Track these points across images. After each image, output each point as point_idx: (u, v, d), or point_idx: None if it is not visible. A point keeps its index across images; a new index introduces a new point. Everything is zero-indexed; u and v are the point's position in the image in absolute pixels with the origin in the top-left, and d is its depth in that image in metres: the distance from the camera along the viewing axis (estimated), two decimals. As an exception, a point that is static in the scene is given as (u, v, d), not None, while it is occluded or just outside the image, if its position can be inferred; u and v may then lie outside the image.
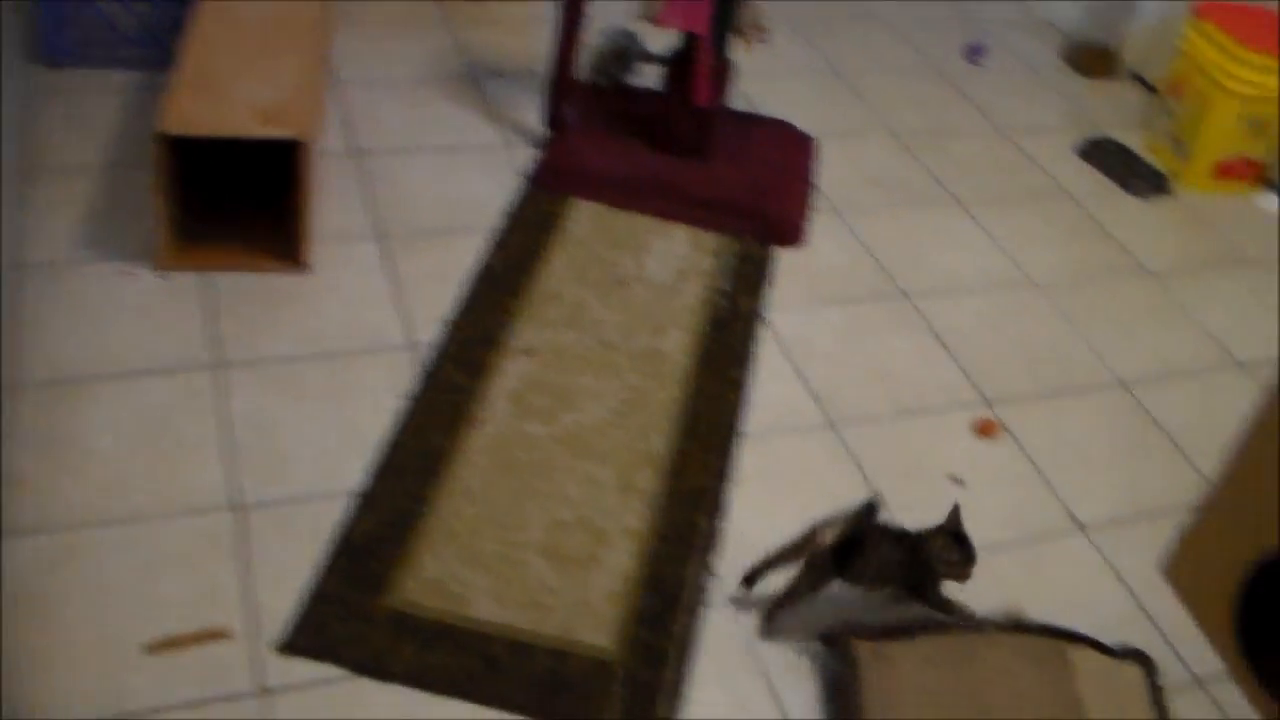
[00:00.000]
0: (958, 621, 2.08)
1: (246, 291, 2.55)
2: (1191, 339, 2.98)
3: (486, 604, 2.03)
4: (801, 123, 3.46)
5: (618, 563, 2.13)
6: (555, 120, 3.12)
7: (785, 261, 2.92)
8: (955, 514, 2.07)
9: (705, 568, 2.16)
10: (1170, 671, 2.15)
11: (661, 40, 3.23)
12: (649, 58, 3.42)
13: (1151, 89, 4.00)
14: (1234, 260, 3.31)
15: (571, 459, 2.30)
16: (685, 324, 2.65)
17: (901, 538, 2.05)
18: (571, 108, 3.13)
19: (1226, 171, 3.58)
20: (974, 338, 2.82)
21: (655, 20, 2.92)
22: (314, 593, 2.00)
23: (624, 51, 3.41)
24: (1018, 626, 2.08)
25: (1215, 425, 2.56)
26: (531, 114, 3.23)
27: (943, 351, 2.75)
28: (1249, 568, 2.15)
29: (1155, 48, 3.99)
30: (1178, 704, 2.11)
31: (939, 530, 2.07)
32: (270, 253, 2.62)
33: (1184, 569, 2.33)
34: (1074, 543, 2.38)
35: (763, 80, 3.66)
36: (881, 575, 2.04)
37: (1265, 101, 3.45)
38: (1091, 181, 3.53)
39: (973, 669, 1.99)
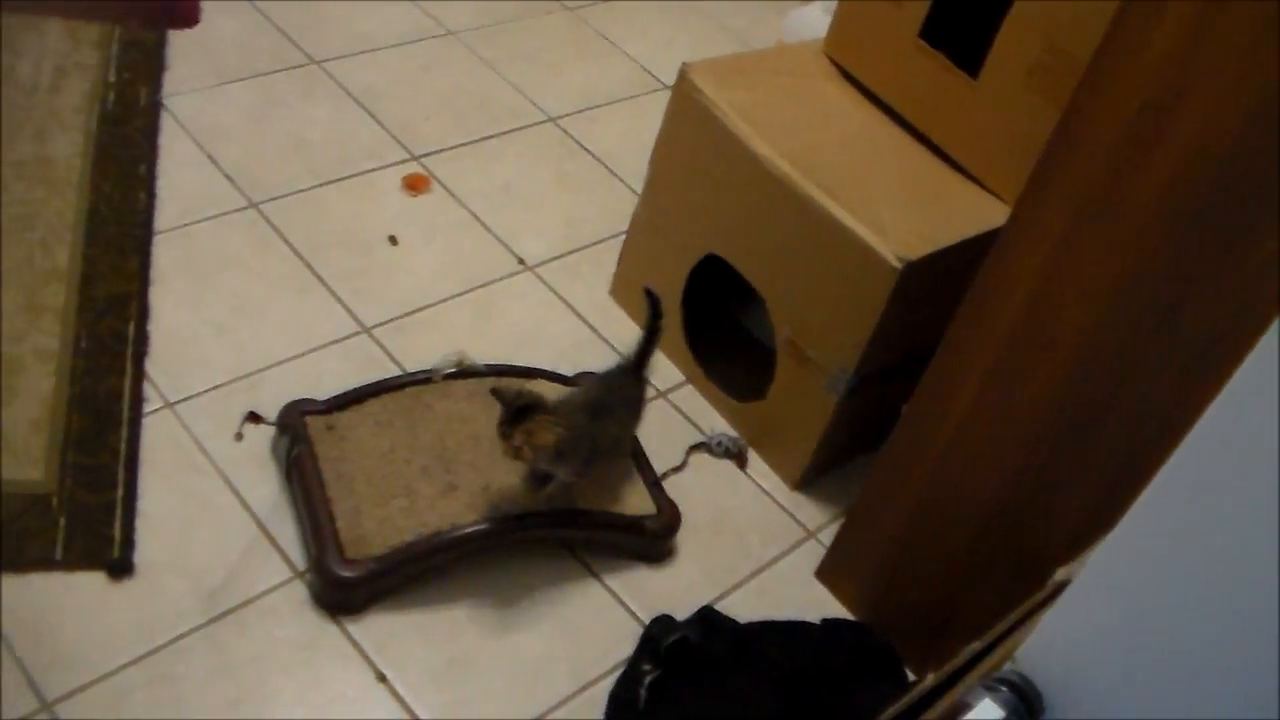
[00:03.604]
0: (405, 379, 2.02)
1: None
2: (614, 67, 2.99)
3: (-108, 462, 1.81)
4: (183, -104, 3.20)
5: (36, 388, 1.94)
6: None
7: (179, 42, 2.68)
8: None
9: (137, 377, 2.00)
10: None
11: None
12: None
13: None
14: (648, -14, 3.34)
15: (-34, 288, 2.07)
16: (73, 124, 2.40)
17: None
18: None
19: (628, -101, 3.59)
20: (393, 95, 2.71)
21: None
22: None
23: None
24: (465, 372, 2.04)
25: (646, 147, 2.58)
26: None
27: (362, 113, 2.63)
28: (687, 273, 2.19)
29: None
30: (646, 415, 2.13)
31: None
32: None
33: (629, 287, 2.36)
34: (521, 281, 2.36)
35: None
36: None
37: None
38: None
39: (427, 422, 1.94)
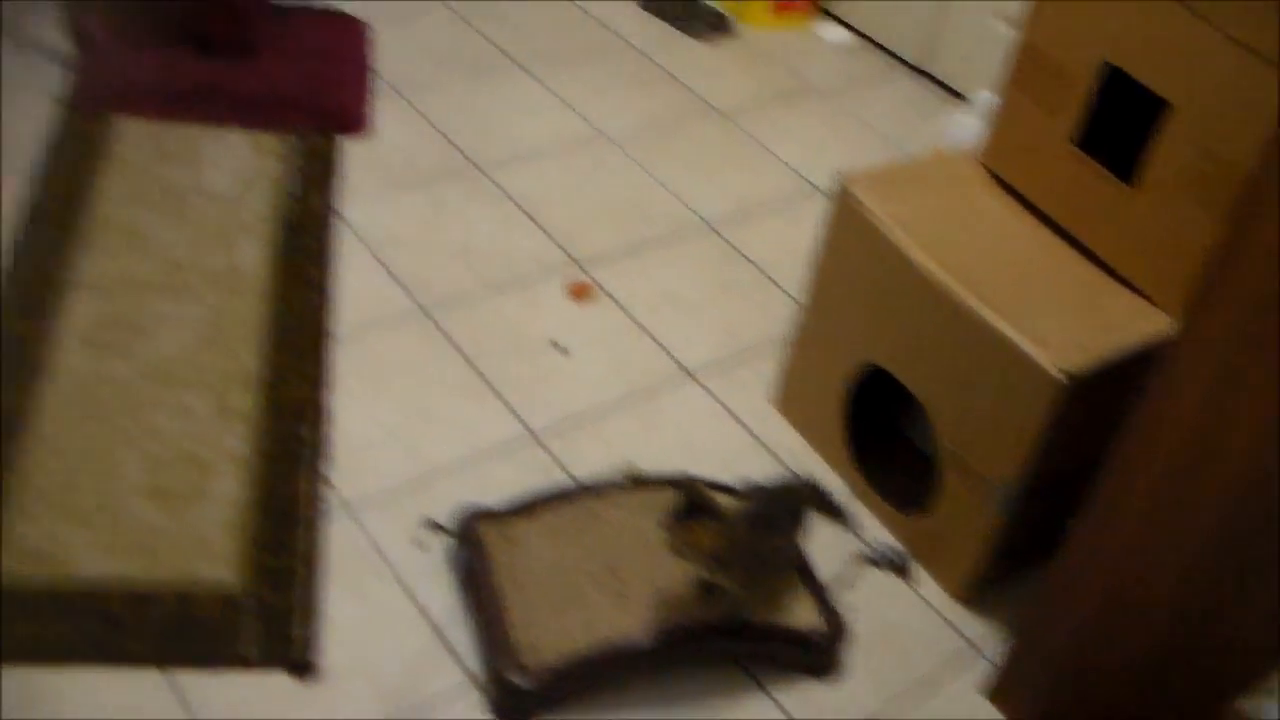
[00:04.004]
0: (576, 489, 2.07)
1: None
2: (770, 172, 3.04)
3: (94, 560, 1.89)
4: (351, 7, 3.33)
5: (226, 490, 2.03)
6: (83, 36, 2.89)
7: (352, 152, 2.81)
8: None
9: (318, 479, 2.08)
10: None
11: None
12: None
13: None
14: (801, 91, 3.39)
15: (159, 391, 2.16)
16: (257, 233, 2.52)
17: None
18: (98, 20, 2.91)
19: (784, 6, 3.66)
20: (555, 201, 2.79)
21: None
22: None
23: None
24: (635, 482, 2.09)
25: (804, 253, 2.62)
26: (56, 33, 2.98)
27: (526, 220, 2.72)
28: (848, 383, 2.23)
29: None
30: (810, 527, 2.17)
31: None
32: None
33: (790, 396, 2.40)
34: (684, 389, 2.41)
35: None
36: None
37: (805, -69, 3.54)
38: (654, 30, 3.54)
39: (598, 532, 1.99)
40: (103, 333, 2.25)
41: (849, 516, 2.09)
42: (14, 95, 2.80)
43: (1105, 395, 1.83)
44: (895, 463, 2.31)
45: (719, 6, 3.68)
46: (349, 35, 3.20)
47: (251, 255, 2.46)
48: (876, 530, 2.23)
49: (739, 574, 1.85)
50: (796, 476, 2.04)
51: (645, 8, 3.62)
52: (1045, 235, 2.14)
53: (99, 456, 2.04)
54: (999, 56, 2.91)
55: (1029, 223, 2.16)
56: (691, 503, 1.81)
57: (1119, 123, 2.01)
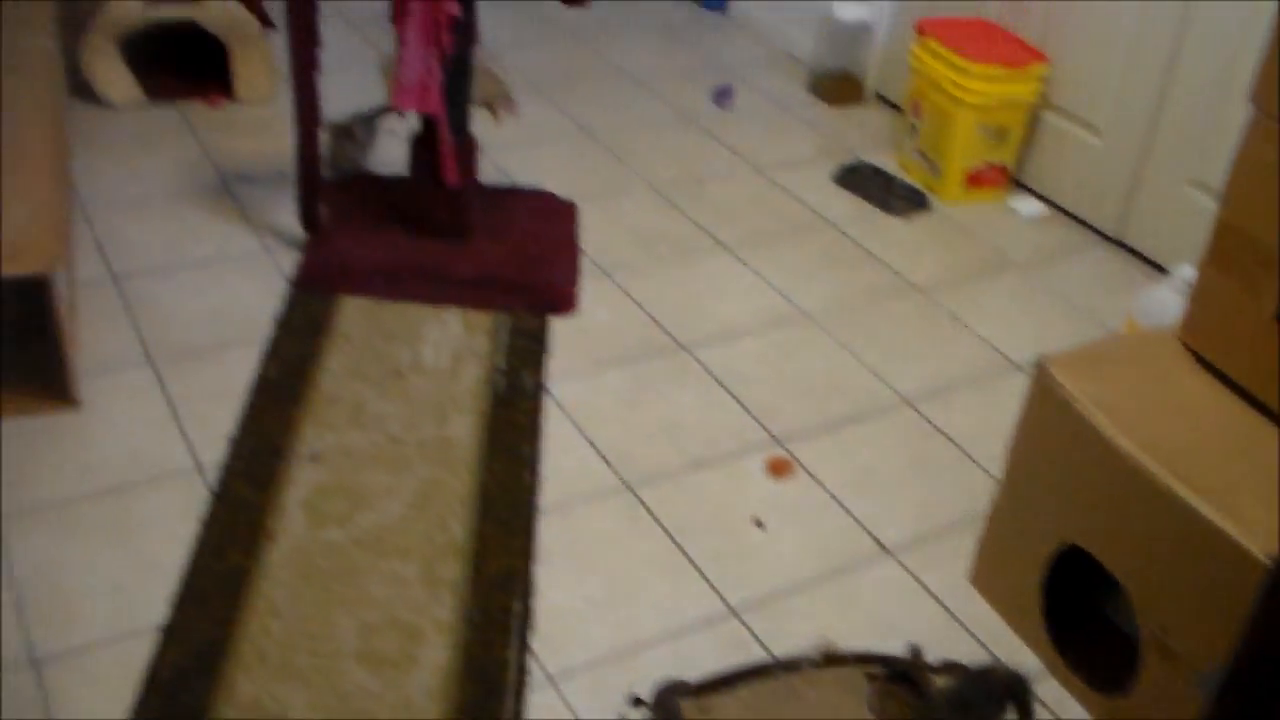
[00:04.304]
0: (774, 665, 2.10)
1: (15, 435, 2.46)
2: (966, 348, 3.07)
3: (308, 718, 1.98)
4: (560, 188, 3.49)
5: (434, 657, 2.11)
6: (311, 219, 3.08)
7: (561, 330, 2.93)
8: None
9: (523, 649, 2.14)
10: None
11: (403, 124, 3.23)
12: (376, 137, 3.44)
13: (897, 109, 4.13)
14: (996, 265, 3.43)
15: (373, 559, 2.27)
16: (469, 407, 2.63)
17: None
18: (325, 204, 3.10)
19: (977, 180, 3.71)
20: (756, 379, 2.86)
21: (391, 105, 2.91)
22: (124, 740, 1.94)
23: (364, 137, 3.41)
24: (832, 659, 2.11)
25: (1001, 429, 2.63)
26: (287, 216, 3.19)
27: (727, 397, 2.79)
28: (1047, 562, 2.22)
29: (895, 69, 4.13)
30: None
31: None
32: (36, 392, 2.54)
33: (988, 574, 2.40)
34: (881, 567, 2.43)
35: (516, 150, 3.68)
36: None
37: (998, 109, 3.59)
38: (851, 207, 3.62)
39: (794, 709, 2.01)
40: (323, 501, 2.37)
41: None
42: (250, 275, 2.99)
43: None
44: (1094, 641, 2.29)
45: (914, 183, 3.75)
46: (558, 215, 3.35)
47: (463, 429, 2.57)
48: (1074, 710, 2.20)
49: None
50: (1002, 664, 2.04)
51: (842, 185, 3.71)
52: (1248, 414, 2.13)
53: (316, 620, 2.14)
54: (1196, 226, 2.93)
55: (1231, 401, 2.15)
56: (902, 671, 1.83)
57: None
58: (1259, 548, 1.83)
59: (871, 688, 1.87)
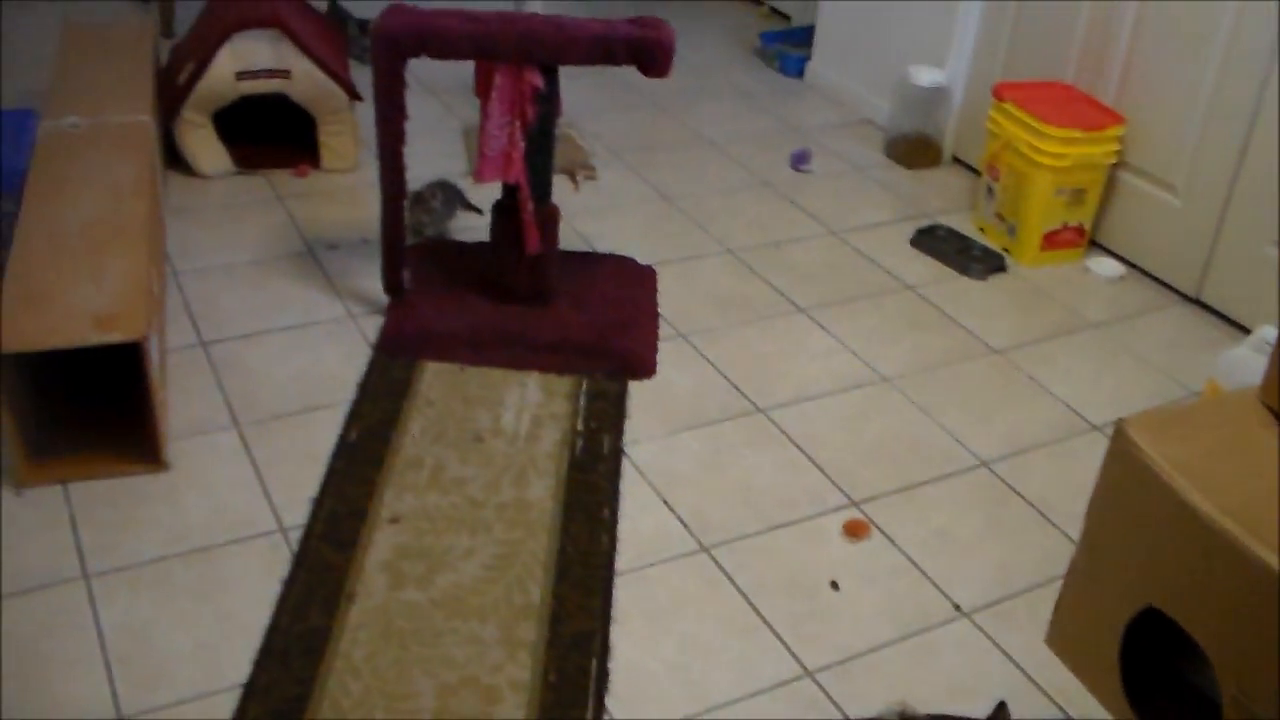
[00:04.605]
0: (850, 726, 2.11)
1: (107, 496, 2.53)
2: (1044, 409, 3.07)
3: (385, 781, 2.02)
4: (639, 254, 3.53)
5: (511, 717, 2.13)
6: (394, 286, 3.15)
7: (639, 393, 2.96)
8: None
9: (600, 710, 2.16)
10: (1065, 741, 2.21)
11: (485, 193, 3.29)
12: (472, 208, 3.50)
13: (974, 172, 4.14)
14: (1074, 326, 3.42)
15: (451, 620, 2.30)
16: (547, 470, 2.67)
17: None
18: (408, 271, 3.16)
19: (1054, 241, 3.71)
20: (832, 441, 2.87)
21: (474, 177, 2.97)
22: (207, 798, 1.98)
23: (447, 205, 3.48)
24: (908, 721, 2.11)
25: (1078, 490, 2.63)
26: (372, 282, 3.26)
27: (804, 459, 2.80)
28: (1125, 624, 2.21)
29: (971, 132, 4.15)
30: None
31: None
32: (127, 455, 2.61)
33: (1065, 636, 2.38)
34: (957, 628, 2.42)
35: (596, 217, 3.73)
36: None
37: (1076, 171, 3.60)
38: (929, 269, 3.64)
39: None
40: (403, 563, 2.41)
41: None
42: (334, 340, 3.05)
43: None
44: (1174, 705, 2.27)
45: (991, 245, 3.75)
46: (638, 281, 3.39)
47: (541, 491, 2.61)
48: (1156, 779, 2.18)
49: None
50: None
51: (919, 248, 3.73)
52: (1330, 478, 2.11)
53: (394, 680, 2.17)
54: (1275, 285, 2.91)
55: (1313, 463, 2.14)
56: None
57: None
58: (1340, 611, 1.81)
59: None
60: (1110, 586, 2.25)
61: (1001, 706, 2.01)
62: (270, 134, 3.91)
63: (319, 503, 2.55)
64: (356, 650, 2.22)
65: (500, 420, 2.80)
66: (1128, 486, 2.17)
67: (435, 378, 2.92)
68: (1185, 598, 2.10)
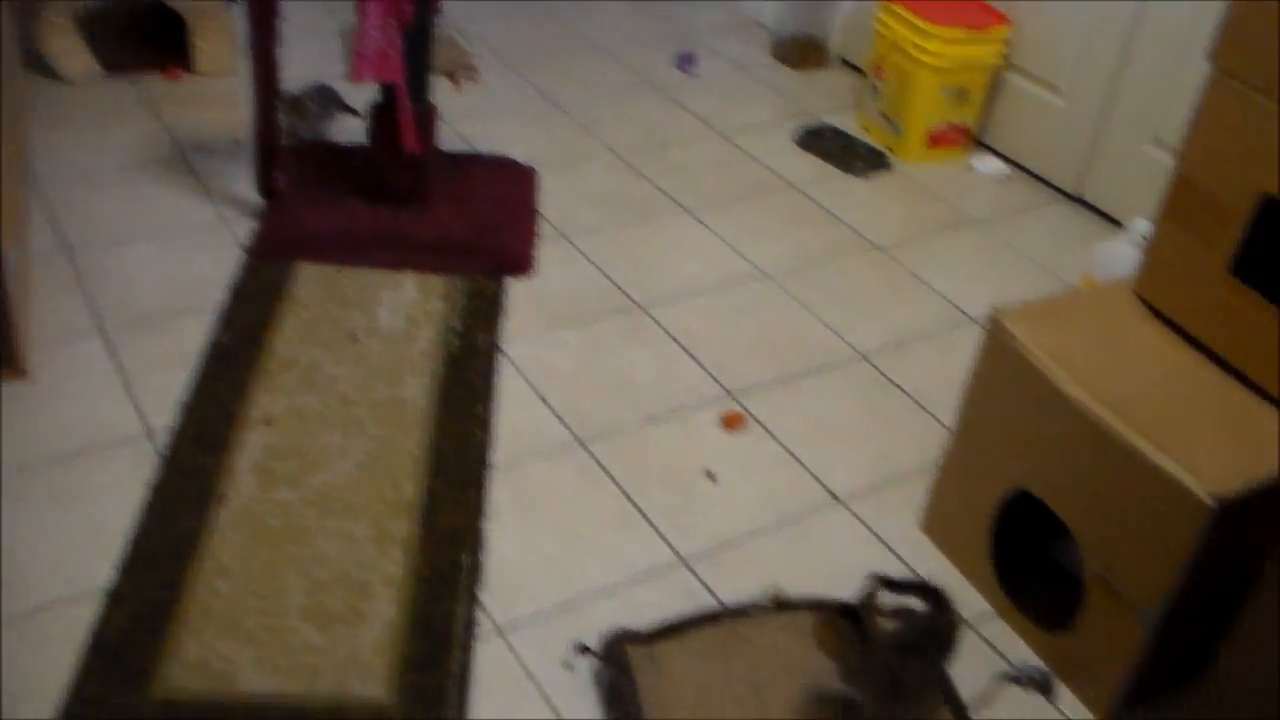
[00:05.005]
0: (722, 611, 2.11)
1: (-35, 407, 2.47)
2: (925, 304, 3.07)
3: (255, 676, 1.98)
4: (521, 156, 3.49)
5: (383, 612, 2.11)
6: (268, 188, 3.08)
7: (517, 292, 2.93)
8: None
9: (472, 603, 2.15)
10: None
11: (362, 93, 3.22)
12: (349, 110, 3.42)
13: (860, 72, 4.13)
14: (957, 222, 3.43)
15: (324, 519, 2.27)
16: (422, 368, 2.63)
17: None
18: (283, 173, 3.10)
19: (938, 140, 3.71)
20: (712, 337, 2.86)
21: (350, 76, 2.90)
22: (72, 699, 1.93)
23: (322, 107, 3.41)
24: (782, 605, 2.11)
25: (956, 382, 2.63)
26: (245, 185, 3.18)
27: (682, 354, 2.79)
28: (997, 509, 2.23)
29: (858, 33, 4.13)
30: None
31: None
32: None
33: (939, 522, 2.40)
34: (834, 516, 2.43)
35: (478, 119, 3.67)
36: None
37: (960, 71, 3.59)
38: (813, 168, 3.62)
39: (743, 654, 2.02)
40: (275, 463, 2.37)
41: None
42: (205, 244, 2.98)
43: (1257, 519, 1.81)
44: (1042, 584, 2.29)
45: (876, 143, 3.75)
46: (518, 181, 3.34)
47: (416, 389, 2.57)
48: (1021, 651, 2.21)
49: (875, 692, 1.86)
50: (947, 612, 2.04)
51: (805, 147, 3.71)
52: (1201, 364, 2.13)
53: (265, 579, 2.14)
54: (1153, 182, 2.92)
55: (1184, 352, 2.16)
56: (849, 611, 1.84)
57: (1277, 251, 2.00)
58: (1203, 490, 1.83)
59: (818, 622, 1.89)
60: (982, 472, 2.26)
61: (872, 582, 2.02)
62: (141, 37, 3.79)
63: (189, 406, 2.49)
64: (226, 551, 2.19)
65: (376, 320, 2.76)
66: (1002, 374, 2.18)
67: (309, 279, 2.87)
68: (1053, 480, 2.12)
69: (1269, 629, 1.70)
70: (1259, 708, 1.74)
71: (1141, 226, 2.87)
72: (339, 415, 2.49)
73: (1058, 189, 3.62)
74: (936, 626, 2.00)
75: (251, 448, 2.40)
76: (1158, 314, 2.22)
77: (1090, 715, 2.12)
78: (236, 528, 2.23)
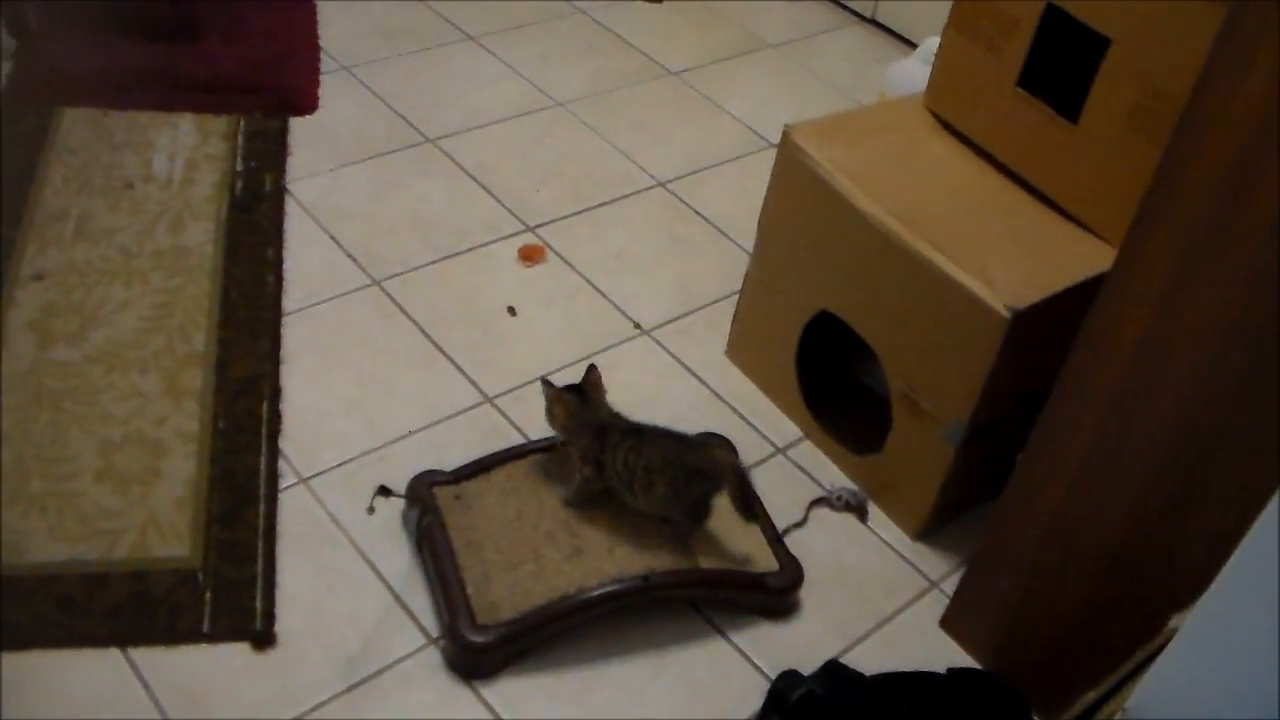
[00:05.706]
0: (529, 447, 2.08)
1: None
2: (722, 129, 3.04)
3: (48, 545, 1.89)
4: (298, -14, 3.33)
5: (180, 469, 2.03)
6: (19, 26, 2.88)
7: (301, 130, 2.81)
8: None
9: (273, 454, 2.08)
10: (754, 444, 2.25)
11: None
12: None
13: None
14: (752, 47, 3.40)
15: (110, 376, 2.17)
16: (205, 214, 2.51)
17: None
18: (37, 9, 2.90)
19: (728, -38, 3.66)
20: (505, 168, 2.79)
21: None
22: None
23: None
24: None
25: (756, 207, 2.62)
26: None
27: (476, 187, 2.72)
28: (800, 331, 2.23)
29: None
30: (766, 472, 2.20)
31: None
32: None
33: (744, 347, 2.40)
34: (637, 345, 2.42)
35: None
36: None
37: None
38: (602, -6, 3.55)
39: (551, 487, 2.00)
40: (51, 322, 2.25)
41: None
42: (-42, 91, 2.80)
43: (1052, 330, 1.83)
44: (850, 407, 2.32)
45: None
46: (296, 13, 3.19)
47: (200, 236, 2.46)
48: (834, 474, 2.23)
49: (581, 449, 1.97)
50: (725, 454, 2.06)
51: (593, -27, 3.62)
52: (990, 175, 2.14)
53: (51, 444, 2.04)
54: (945, 2, 2.92)
55: (974, 164, 2.17)
56: (573, 386, 1.98)
57: (1061, 62, 2.01)
58: (999, 301, 1.85)
59: (549, 391, 1.99)
60: (784, 295, 2.26)
61: (591, 369, 2.02)
62: None
63: (-46, 264, 2.35)
64: (5, 416, 2.08)
65: (151, 165, 2.62)
66: (796, 192, 2.17)
67: (75, 125, 2.70)
68: (854, 299, 2.12)
69: (1063, 436, 1.73)
70: (1051, 512, 1.79)
71: (933, 44, 2.86)
72: (119, 267, 2.37)
73: (853, 11, 3.60)
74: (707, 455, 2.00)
75: (25, 306, 2.27)
76: (949, 127, 2.23)
77: (902, 533, 2.16)
78: (15, 391, 2.12)
